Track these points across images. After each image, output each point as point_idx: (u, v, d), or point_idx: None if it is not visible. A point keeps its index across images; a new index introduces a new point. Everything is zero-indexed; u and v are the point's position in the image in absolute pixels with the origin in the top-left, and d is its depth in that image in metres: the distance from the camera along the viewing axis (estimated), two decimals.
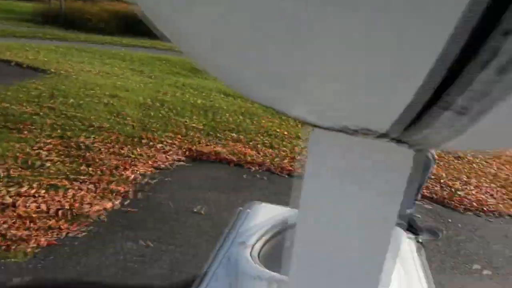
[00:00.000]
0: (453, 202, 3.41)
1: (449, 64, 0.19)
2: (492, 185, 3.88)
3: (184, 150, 3.85)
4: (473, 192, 3.65)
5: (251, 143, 4.25)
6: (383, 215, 0.44)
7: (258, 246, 0.88)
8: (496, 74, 0.17)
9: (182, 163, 3.61)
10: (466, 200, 3.46)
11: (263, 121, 4.96)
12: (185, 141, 4.06)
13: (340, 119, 0.31)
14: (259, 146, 4.17)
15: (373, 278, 0.47)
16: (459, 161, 4.50)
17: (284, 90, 0.28)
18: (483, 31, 0.15)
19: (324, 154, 0.40)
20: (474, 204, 3.40)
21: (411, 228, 2.70)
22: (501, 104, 0.20)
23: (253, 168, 3.69)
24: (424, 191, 3.55)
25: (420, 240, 2.74)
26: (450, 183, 3.80)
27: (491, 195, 3.63)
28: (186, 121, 4.64)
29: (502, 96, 0.19)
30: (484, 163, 4.53)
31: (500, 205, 3.43)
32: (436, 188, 3.65)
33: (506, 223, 3.16)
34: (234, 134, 4.46)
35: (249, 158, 3.83)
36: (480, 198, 3.52)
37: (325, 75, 0.23)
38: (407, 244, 1.11)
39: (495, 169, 4.40)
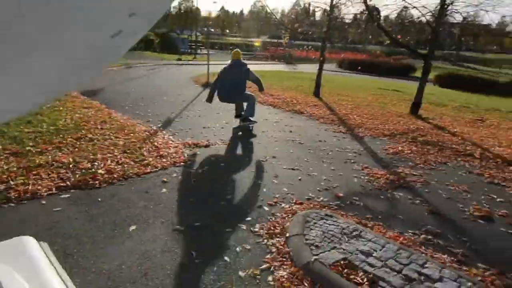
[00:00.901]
0: (89, 181, 3.50)
1: None
2: (116, 153, 4.33)
3: None
4: (102, 165, 3.92)
5: None
6: None
7: None
8: None
9: None
10: (99, 174, 3.66)
11: None
12: None
13: None
14: None
15: None
16: (81, 142, 4.62)
17: None
18: None
19: None
20: (106, 175, 3.67)
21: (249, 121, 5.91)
22: None
23: None
24: (61, 183, 3.38)
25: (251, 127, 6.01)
26: (79, 165, 3.84)
27: (117, 162, 4.06)
28: None
29: None
30: (105, 137, 4.93)
31: (126, 168, 3.92)
32: (68, 175, 3.57)
33: (134, 183, 3.66)
34: None
35: None
36: (109, 168, 3.84)
37: None
38: (36, 249, 1.07)
39: (113, 138, 4.92)
